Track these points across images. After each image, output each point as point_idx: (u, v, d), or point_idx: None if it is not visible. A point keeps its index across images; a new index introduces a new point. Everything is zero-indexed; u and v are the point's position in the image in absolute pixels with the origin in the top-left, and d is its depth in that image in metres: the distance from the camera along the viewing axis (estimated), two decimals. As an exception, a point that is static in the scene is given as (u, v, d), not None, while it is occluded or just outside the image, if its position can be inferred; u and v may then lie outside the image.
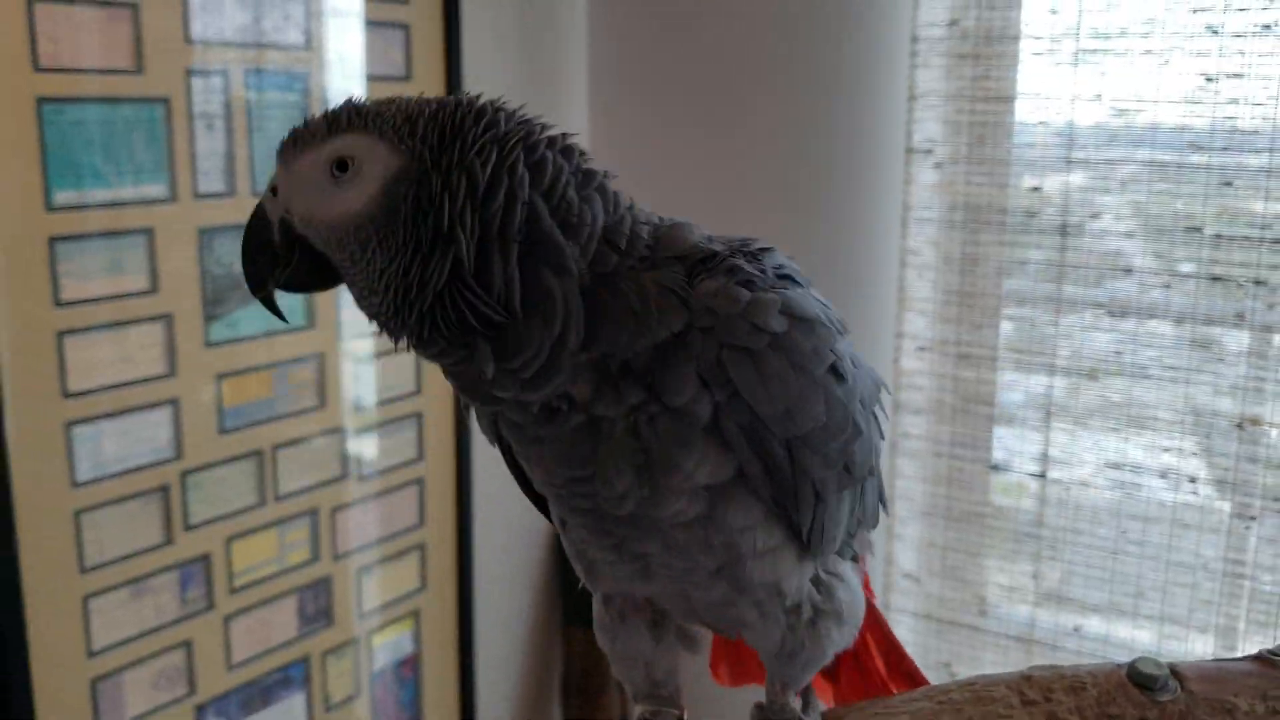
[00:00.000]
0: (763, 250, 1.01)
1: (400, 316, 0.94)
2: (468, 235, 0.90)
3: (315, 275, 1.00)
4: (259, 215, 0.99)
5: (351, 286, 0.98)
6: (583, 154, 0.98)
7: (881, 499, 1.18)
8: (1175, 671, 0.94)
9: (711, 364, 0.93)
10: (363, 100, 0.99)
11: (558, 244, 0.92)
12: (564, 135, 0.98)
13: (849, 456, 1.02)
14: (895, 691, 1.21)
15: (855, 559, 1.16)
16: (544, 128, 0.97)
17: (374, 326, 0.98)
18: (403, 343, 0.96)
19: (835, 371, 0.99)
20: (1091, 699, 0.90)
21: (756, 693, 1.16)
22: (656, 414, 0.94)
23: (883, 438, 1.11)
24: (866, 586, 1.20)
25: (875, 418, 1.08)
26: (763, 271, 0.98)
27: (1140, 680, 0.92)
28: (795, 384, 0.95)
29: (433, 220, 0.91)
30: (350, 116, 0.96)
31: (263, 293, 1.01)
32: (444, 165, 0.92)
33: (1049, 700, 0.90)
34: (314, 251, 0.98)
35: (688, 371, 0.94)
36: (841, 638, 1.09)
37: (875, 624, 1.27)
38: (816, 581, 1.07)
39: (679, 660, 1.18)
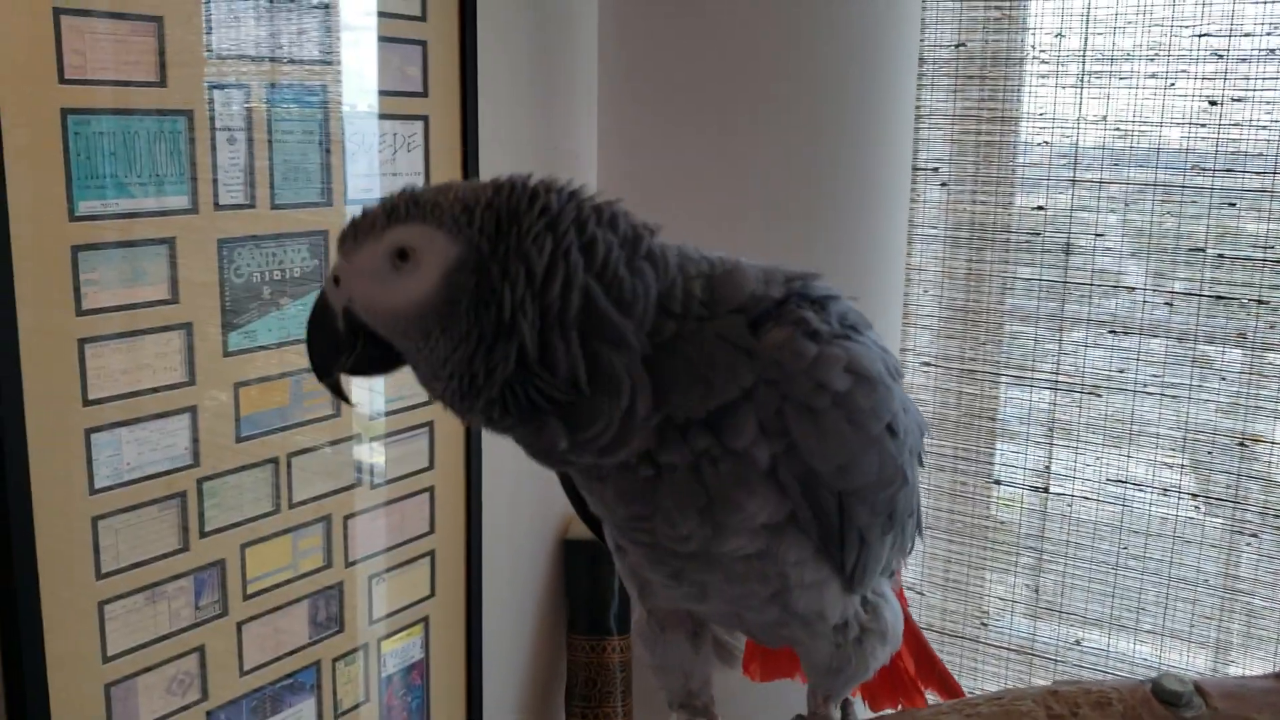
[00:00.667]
0: (828, 298, 1.03)
1: (467, 402, 0.96)
2: (530, 325, 0.92)
3: (380, 360, 1.02)
4: (322, 304, 1.01)
5: (416, 370, 1.00)
6: (626, 216, 1.00)
7: (919, 526, 1.21)
8: (1199, 688, 0.97)
9: (771, 415, 0.95)
10: (419, 189, 1.00)
11: (615, 322, 0.94)
12: (608, 204, 0.99)
13: (894, 505, 1.06)
14: (924, 689, 1.25)
15: (892, 574, 1.19)
16: (590, 199, 0.99)
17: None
18: (470, 420, 0.99)
19: (890, 429, 1.01)
20: (1117, 714, 0.93)
21: (784, 692, 1.20)
22: (719, 456, 0.96)
23: (922, 466, 1.14)
24: (899, 594, 1.24)
25: (919, 458, 1.11)
26: (828, 322, 0.99)
27: (1165, 697, 0.95)
28: (852, 441, 0.98)
29: (494, 311, 0.93)
30: (408, 207, 0.97)
31: (329, 379, 1.04)
32: (501, 253, 0.93)
33: (1075, 715, 0.93)
34: (378, 338, 1.00)
35: (749, 417, 0.96)
36: (884, 655, 1.12)
37: (909, 628, 1.31)
38: (864, 602, 1.10)
39: (714, 671, 1.21)
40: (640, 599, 1.16)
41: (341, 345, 1.01)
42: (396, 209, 0.97)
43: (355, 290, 0.98)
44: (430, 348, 0.95)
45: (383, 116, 2.34)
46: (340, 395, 1.06)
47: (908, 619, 1.30)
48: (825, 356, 0.96)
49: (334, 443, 2.33)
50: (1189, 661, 2.50)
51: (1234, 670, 2.47)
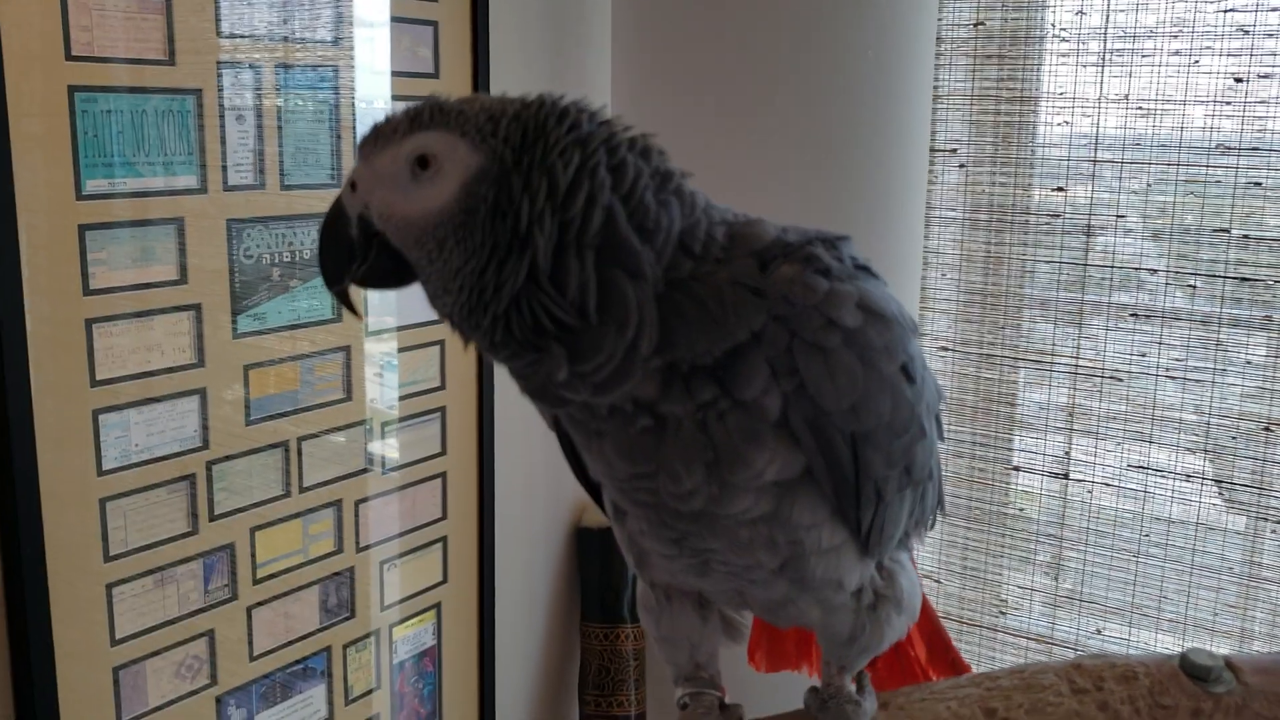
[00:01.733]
0: (840, 238, 1.00)
1: (474, 318, 0.93)
2: (546, 238, 0.89)
3: (391, 273, 0.99)
4: (337, 210, 0.98)
5: (426, 285, 0.97)
6: (661, 154, 0.97)
7: (940, 501, 1.17)
8: (1229, 663, 0.93)
9: (780, 353, 0.92)
10: (445, 97, 0.98)
11: (633, 249, 0.91)
12: (643, 136, 0.97)
13: (911, 458, 1.02)
14: (935, 678, 1.20)
15: (909, 548, 1.16)
16: (626, 128, 0.96)
17: (445, 324, 0.97)
18: (473, 344, 0.96)
19: (905, 371, 0.98)
20: (1144, 689, 0.89)
21: (791, 679, 1.16)
22: (726, 409, 0.93)
23: (942, 441, 1.10)
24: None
25: (938, 422, 1.07)
26: (840, 260, 0.96)
27: (1194, 671, 0.92)
28: (863, 380, 0.94)
29: (510, 222, 0.90)
30: (433, 113, 0.95)
31: (339, 287, 1.01)
32: (525, 166, 0.91)
33: (1100, 689, 0.90)
34: (391, 248, 0.97)
35: (759, 362, 0.92)
36: (900, 625, 1.09)
37: (923, 608, 1.27)
38: (879, 567, 1.07)
39: (720, 643, 1.18)
40: (637, 569, 1.12)
41: (354, 253, 0.98)
42: (420, 115, 0.95)
43: (372, 197, 0.96)
44: (444, 259, 0.93)
45: (394, 98, 2.32)
46: (349, 305, 1.03)
47: (923, 600, 1.26)
48: (836, 292, 0.93)
49: (345, 427, 2.31)
50: (1213, 651, 2.45)
51: (1258, 660, 2.42)
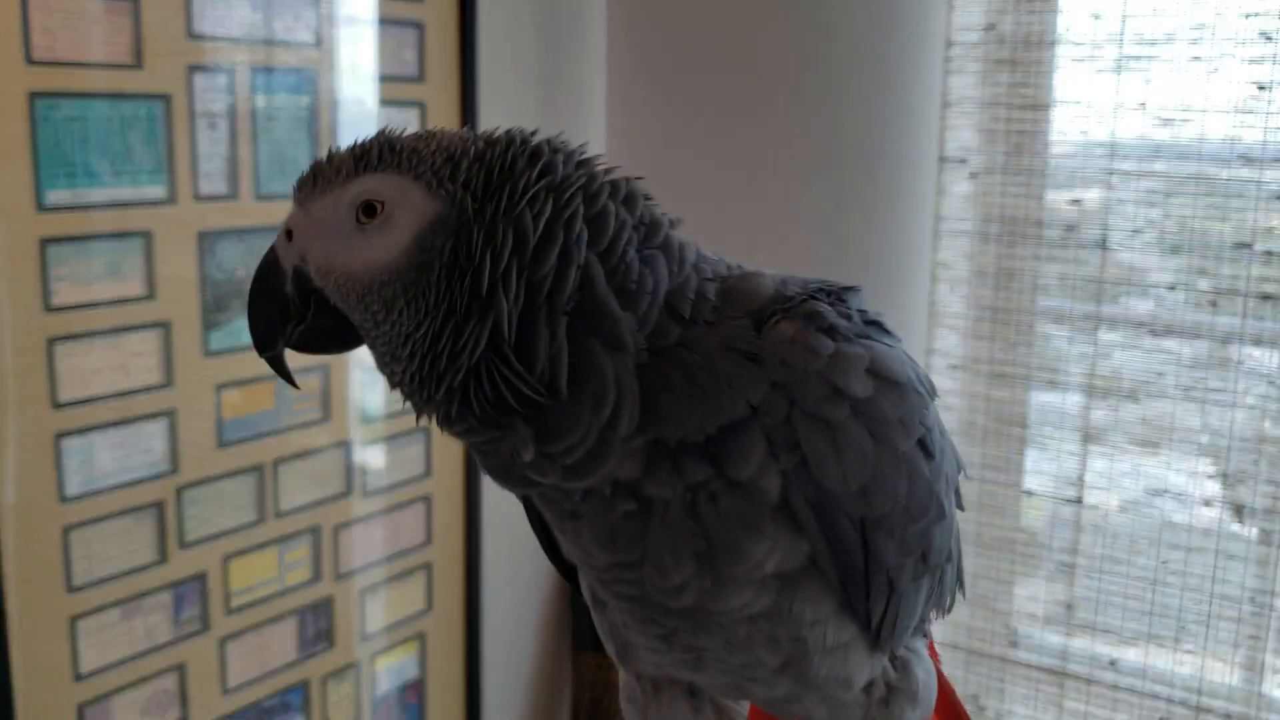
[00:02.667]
0: (846, 289, 0.87)
1: (426, 389, 0.82)
2: (511, 301, 0.78)
3: (332, 335, 0.87)
4: (270, 262, 0.86)
5: (372, 349, 0.85)
6: (648, 199, 0.85)
7: (960, 580, 1.04)
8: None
9: (779, 423, 0.80)
10: (398, 133, 0.85)
11: (613, 314, 0.79)
12: (628, 180, 0.85)
13: (928, 542, 0.90)
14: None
15: (925, 633, 1.04)
16: (607, 171, 0.84)
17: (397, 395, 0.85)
18: (425, 419, 0.84)
19: (923, 446, 0.86)
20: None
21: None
22: (719, 490, 0.81)
23: (961, 510, 0.98)
24: (931, 650, 1.08)
25: (957, 494, 0.95)
26: (847, 316, 0.84)
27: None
28: (875, 458, 0.82)
29: (470, 281, 0.79)
30: (382, 152, 0.83)
31: (270, 352, 0.88)
32: (488, 215, 0.79)
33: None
34: (331, 307, 0.85)
35: (755, 436, 0.80)
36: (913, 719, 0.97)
37: (942, 692, 1.15)
38: (892, 657, 0.95)
39: None
40: (621, 662, 0.99)
41: (289, 313, 0.86)
42: (368, 154, 0.83)
43: (311, 247, 0.84)
44: (392, 322, 0.81)
45: (382, 102, 2.22)
46: (283, 374, 0.90)
47: (941, 681, 1.14)
48: (843, 355, 0.81)
49: (323, 449, 2.21)
50: (1232, 683, 2.35)
51: (1279, 694, 2.32)
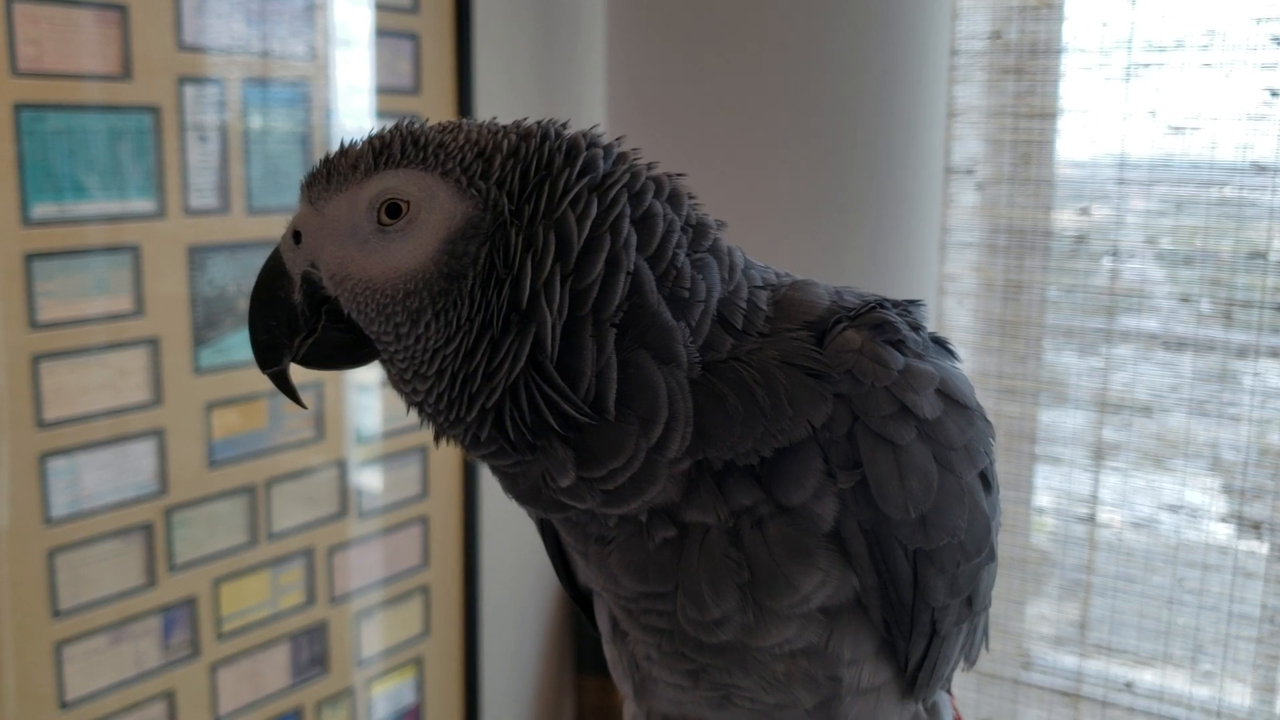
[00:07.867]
0: (911, 302, 0.81)
1: (455, 410, 0.74)
2: (554, 313, 0.71)
3: (344, 349, 0.79)
4: (274, 268, 0.78)
5: (389, 365, 0.77)
6: (692, 199, 0.79)
7: (986, 630, 0.98)
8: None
9: (840, 439, 0.73)
10: (421, 124, 0.77)
11: (665, 325, 0.72)
12: (670, 177, 0.78)
13: (976, 584, 0.84)
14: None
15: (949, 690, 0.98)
16: (648, 166, 0.77)
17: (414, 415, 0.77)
18: (447, 442, 0.77)
19: (984, 479, 0.80)
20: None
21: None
22: (766, 516, 0.74)
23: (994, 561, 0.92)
24: (953, 707, 1.02)
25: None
26: (916, 329, 0.78)
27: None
28: (938, 485, 0.76)
29: (508, 290, 0.71)
30: (405, 146, 0.75)
31: (275, 368, 0.80)
32: (526, 217, 0.72)
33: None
34: (345, 319, 0.77)
35: (812, 457, 0.73)
36: None
37: None
38: (916, 717, 0.89)
39: None
40: (636, 699, 0.90)
41: (296, 324, 0.78)
42: (389, 148, 0.75)
43: (322, 252, 0.76)
44: (417, 336, 0.73)
45: (378, 113, 2.18)
46: (288, 392, 0.82)
47: None
48: (914, 371, 0.74)
49: (317, 469, 2.16)
50: (1252, 706, 2.28)
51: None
